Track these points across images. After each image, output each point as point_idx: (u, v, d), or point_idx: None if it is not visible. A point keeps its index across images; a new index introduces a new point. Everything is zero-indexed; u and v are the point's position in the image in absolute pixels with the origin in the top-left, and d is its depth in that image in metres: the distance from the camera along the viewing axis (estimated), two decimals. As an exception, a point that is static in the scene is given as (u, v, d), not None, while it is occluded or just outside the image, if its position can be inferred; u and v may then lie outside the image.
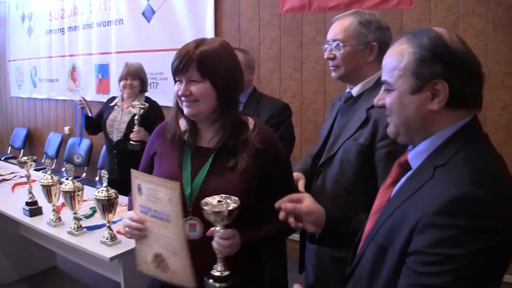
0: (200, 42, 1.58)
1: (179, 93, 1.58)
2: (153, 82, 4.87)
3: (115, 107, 3.77)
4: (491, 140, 1.15)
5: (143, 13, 4.95)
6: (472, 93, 1.11)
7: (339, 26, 1.86)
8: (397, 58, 1.16)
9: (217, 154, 1.60)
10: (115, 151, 3.70)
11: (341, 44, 1.83)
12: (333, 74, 1.92)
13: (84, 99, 3.98)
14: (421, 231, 0.99)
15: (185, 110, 1.59)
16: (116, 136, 3.67)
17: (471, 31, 3.13)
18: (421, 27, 1.19)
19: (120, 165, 3.59)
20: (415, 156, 1.17)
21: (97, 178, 5.33)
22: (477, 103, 1.13)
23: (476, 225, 0.94)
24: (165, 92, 4.67)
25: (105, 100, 4.03)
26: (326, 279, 1.92)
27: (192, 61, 1.54)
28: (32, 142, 7.09)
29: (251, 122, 1.66)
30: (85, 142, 5.70)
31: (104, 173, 2.40)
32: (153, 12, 4.85)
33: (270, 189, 1.61)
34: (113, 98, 3.94)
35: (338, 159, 1.80)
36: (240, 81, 1.65)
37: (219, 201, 1.49)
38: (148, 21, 4.91)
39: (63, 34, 6.06)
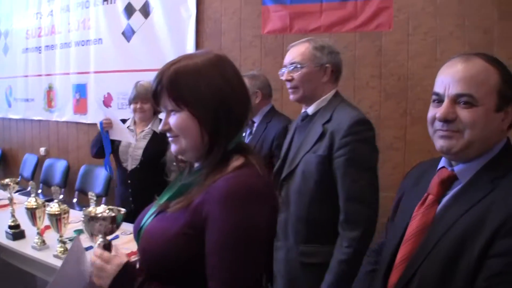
0: (180, 59, 1.29)
1: (159, 127, 1.33)
2: None
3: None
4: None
5: (123, 33, 4.99)
6: None
7: (296, 51, 2.11)
8: (484, 76, 1.22)
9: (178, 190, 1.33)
10: (129, 181, 3.44)
11: (299, 66, 2.07)
12: (291, 96, 2.15)
13: (111, 117, 3.53)
14: (506, 235, 1.06)
15: (171, 147, 1.33)
16: (130, 165, 3.43)
17: (448, 54, 3.21)
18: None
19: (136, 197, 3.38)
20: (464, 170, 1.26)
21: (74, 200, 5.33)
22: None
23: None
24: None
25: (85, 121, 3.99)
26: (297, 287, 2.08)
27: (163, 85, 1.25)
28: (7, 163, 7.03)
29: (233, 164, 1.27)
30: (62, 163, 5.72)
31: (92, 195, 2.37)
32: (133, 32, 4.89)
33: (196, 253, 1.21)
34: (123, 120, 3.60)
35: (300, 171, 2.03)
36: (235, 105, 1.27)
37: (107, 210, 1.52)
38: (128, 41, 4.95)
39: (40, 53, 6.07)
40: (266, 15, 4.06)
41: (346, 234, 1.92)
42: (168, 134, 1.31)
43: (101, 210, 1.53)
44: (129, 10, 4.95)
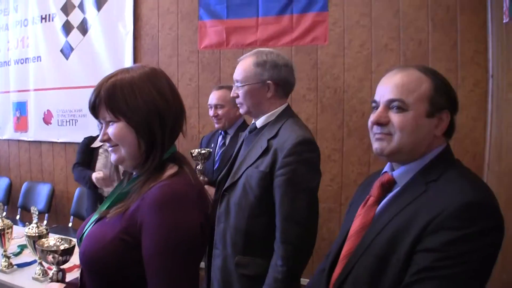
0: (117, 73, 1.22)
1: (98, 139, 1.28)
2: (72, 120, 4.49)
3: (100, 151, 3.12)
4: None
5: (61, 50, 4.53)
6: (454, 124, 1.24)
7: (239, 68, 1.91)
8: (415, 83, 1.20)
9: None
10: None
11: (240, 84, 1.88)
12: (240, 110, 1.95)
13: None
14: (433, 232, 1.05)
15: (111, 157, 1.25)
16: (107, 191, 2.98)
17: (384, 66, 3.02)
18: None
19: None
20: (402, 174, 1.24)
21: (18, 217, 4.82)
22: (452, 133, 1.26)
23: (486, 225, 1.03)
24: (84, 128, 4.24)
25: (58, 140, 3.44)
26: None
27: (101, 98, 1.18)
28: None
29: (167, 173, 1.20)
30: (4, 181, 5.10)
31: (34, 209, 2.30)
32: (72, 49, 4.45)
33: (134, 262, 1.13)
34: (92, 138, 3.22)
35: (241, 184, 1.84)
36: (168, 116, 1.20)
37: (58, 241, 1.51)
38: (67, 58, 4.50)
39: (-20, 71, 5.42)
40: (202, 30, 3.74)
41: (281, 252, 1.75)
42: (108, 145, 1.24)
43: (53, 242, 1.50)
44: (67, 28, 4.51)
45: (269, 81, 1.85)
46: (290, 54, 3.32)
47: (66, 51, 4.48)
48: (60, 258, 1.45)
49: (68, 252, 1.47)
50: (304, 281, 2.23)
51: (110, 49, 4.20)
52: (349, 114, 3.18)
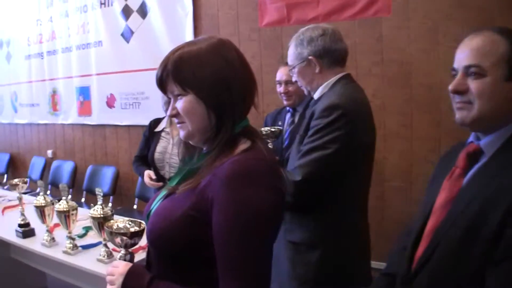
0: (183, 45, 1.23)
1: (167, 114, 1.29)
2: (135, 102, 4.77)
3: (163, 134, 3.23)
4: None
5: (122, 34, 4.80)
6: None
7: (288, 54, 2.07)
8: (491, 46, 1.19)
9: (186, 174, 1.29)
10: None
11: (291, 67, 2.05)
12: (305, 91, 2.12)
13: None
14: None
15: (180, 133, 1.28)
16: (168, 173, 3.14)
17: (449, 36, 3.06)
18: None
19: None
20: (489, 143, 1.23)
21: (83, 200, 5.22)
22: None
23: None
24: (147, 111, 4.53)
25: (121, 123, 3.76)
26: (279, 263, 1.99)
27: (168, 71, 1.20)
28: (16, 167, 6.86)
29: (240, 147, 1.21)
30: (69, 164, 5.56)
31: (99, 191, 2.36)
32: (132, 32, 4.70)
33: (204, 240, 1.15)
34: (158, 120, 3.35)
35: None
36: (238, 88, 1.21)
37: (128, 224, 1.51)
38: (127, 42, 4.77)
39: (42, 58, 5.86)
40: (262, 7, 3.87)
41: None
42: (176, 120, 1.26)
43: (122, 224, 1.52)
44: (126, 12, 4.77)
45: (310, 57, 1.95)
46: (353, 28, 3.39)
47: (127, 35, 4.75)
48: (129, 240, 1.45)
49: (138, 234, 1.48)
50: (376, 264, 2.37)
51: (170, 31, 4.40)
52: (416, 88, 3.21)
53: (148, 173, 3.16)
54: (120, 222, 1.53)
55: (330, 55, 1.97)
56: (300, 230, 1.97)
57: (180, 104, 1.21)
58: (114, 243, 1.49)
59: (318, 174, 1.85)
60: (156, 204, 1.30)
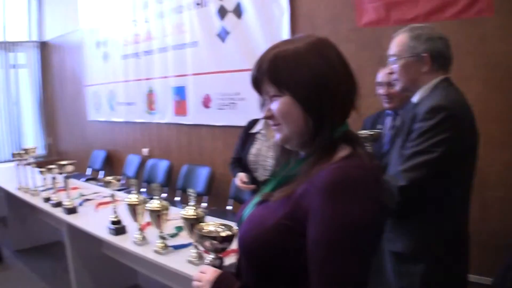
0: (280, 44, 1.25)
1: (262, 115, 1.30)
2: (231, 103, 5.09)
3: (258, 136, 3.28)
4: None
5: (217, 34, 5.15)
6: None
7: (394, 42, 2.11)
8: None
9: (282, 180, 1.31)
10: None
11: (395, 59, 2.08)
12: (396, 87, 2.18)
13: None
14: None
15: (275, 136, 1.30)
16: (261, 175, 3.17)
17: None
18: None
19: None
20: None
21: (177, 198, 5.58)
22: None
23: None
24: (244, 112, 4.84)
25: (217, 124, 4.19)
26: (382, 276, 2.10)
27: (264, 70, 1.23)
28: (112, 164, 7.53)
29: (339, 154, 1.20)
30: (164, 163, 6.02)
31: (192, 192, 2.45)
32: (228, 33, 5.03)
33: (297, 248, 1.15)
34: (255, 121, 3.43)
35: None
36: (338, 90, 1.20)
37: (219, 227, 1.51)
38: (223, 42, 5.10)
39: (138, 58, 6.43)
40: (360, 7, 4.03)
41: None
42: (271, 122, 1.27)
43: (213, 228, 1.53)
44: (222, 12, 5.11)
45: (424, 54, 2.00)
46: (453, 29, 3.39)
47: (223, 35, 5.08)
48: (219, 245, 1.46)
49: (228, 239, 1.48)
50: (475, 278, 2.37)
51: (265, 31, 4.66)
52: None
53: (241, 176, 3.26)
54: (211, 225, 1.56)
55: (442, 59, 2.05)
56: (402, 239, 2.02)
57: (275, 105, 1.22)
58: (203, 246, 1.51)
59: (424, 179, 1.88)
60: (249, 210, 1.32)
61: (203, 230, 1.52)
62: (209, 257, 1.48)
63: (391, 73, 2.15)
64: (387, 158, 2.25)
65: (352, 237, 1.09)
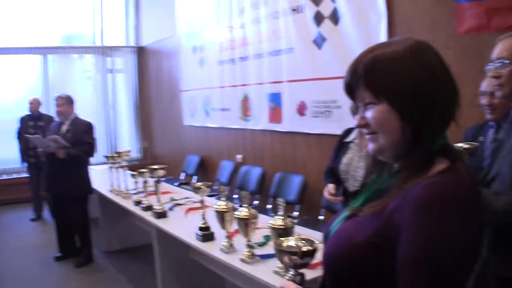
0: (376, 47, 1.24)
1: (355, 123, 1.29)
2: (326, 111, 5.28)
3: (351, 145, 3.39)
4: None
5: (314, 41, 5.38)
6: None
7: (503, 46, 2.06)
8: None
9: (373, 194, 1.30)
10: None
11: (506, 62, 2.02)
12: (497, 93, 2.13)
13: None
14: None
15: (368, 146, 1.28)
16: (351, 185, 3.28)
17: None
18: None
19: None
20: None
21: (269, 206, 5.82)
22: None
23: None
24: (340, 120, 5.00)
25: (312, 131, 4.46)
26: None
27: (359, 76, 1.21)
28: (205, 169, 8.03)
29: (436, 168, 1.17)
30: (257, 170, 6.36)
31: (282, 201, 2.53)
32: (324, 39, 5.25)
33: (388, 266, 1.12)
34: (349, 130, 3.53)
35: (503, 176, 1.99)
36: (439, 98, 1.18)
37: (300, 242, 1.50)
38: (319, 49, 5.32)
39: (234, 64, 6.88)
40: (460, 13, 4.08)
41: None
42: (364, 131, 1.26)
43: (293, 242, 1.53)
44: (318, 18, 5.34)
45: None
46: None
47: (319, 42, 5.31)
48: (298, 261, 1.45)
49: (309, 254, 1.47)
50: None
51: (362, 37, 4.81)
52: None
53: (329, 187, 3.40)
54: (291, 239, 1.55)
55: None
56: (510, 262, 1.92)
57: (370, 113, 1.21)
58: (282, 261, 1.52)
59: None
60: (336, 224, 1.32)
61: (283, 245, 1.52)
62: (290, 273, 1.49)
63: (496, 77, 2.07)
64: (487, 173, 2.13)
65: (446, 259, 1.05)
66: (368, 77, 1.19)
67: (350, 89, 1.25)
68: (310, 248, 1.50)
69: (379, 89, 1.18)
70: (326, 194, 3.41)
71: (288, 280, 1.44)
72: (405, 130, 1.17)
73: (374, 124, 1.21)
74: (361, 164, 3.22)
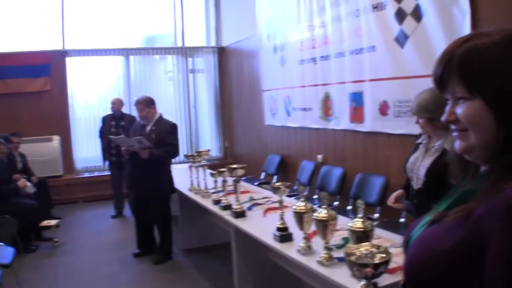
0: (472, 36, 1.13)
1: (442, 118, 1.21)
2: (409, 111, 5.15)
3: (420, 146, 3.41)
4: None
5: (395, 39, 5.38)
6: None
7: None
8: None
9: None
10: (415, 201, 3.33)
11: None
12: None
13: None
14: None
15: (455, 143, 1.20)
16: (416, 184, 3.30)
17: None
18: None
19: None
20: None
21: (349, 207, 5.88)
22: None
23: None
24: None
25: (395, 132, 4.57)
26: None
27: (452, 67, 1.12)
28: (285, 169, 8.19)
29: None
30: (338, 171, 6.42)
31: (361, 203, 2.53)
32: (407, 37, 5.23)
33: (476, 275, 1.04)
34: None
35: None
36: None
37: (372, 249, 1.46)
38: (402, 47, 5.30)
39: (315, 63, 6.98)
40: None
41: None
42: (452, 127, 1.18)
43: (365, 251, 1.48)
44: (400, 15, 5.33)
45: None
46: None
47: (401, 40, 5.30)
48: (371, 272, 1.43)
49: (382, 265, 1.44)
50: None
51: (446, 34, 4.75)
52: None
53: (394, 194, 3.50)
54: (363, 247, 1.51)
55: None
56: None
57: (461, 109, 1.13)
58: (353, 272, 1.50)
59: None
60: (418, 230, 1.25)
61: (354, 255, 1.48)
62: (361, 284, 1.46)
63: None
64: None
65: None
66: (464, 69, 1.10)
67: (441, 81, 1.17)
68: (382, 258, 1.45)
69: (475, 84, 1.08)
70: (389, 200, 3.50)
71: None
72: (499, 130, 1.07)
73: (466, 121, 1.12)
74: (424, 163, 3.24)
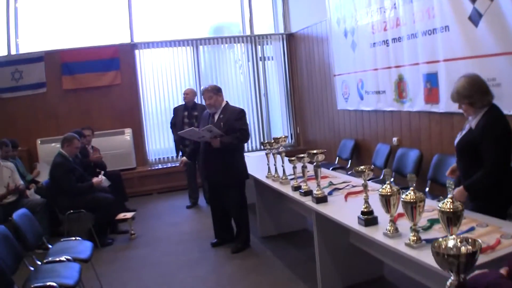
0: None
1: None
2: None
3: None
4: None
5: (469, 18, 5.44)
6: None
7: None
8: None
9: None
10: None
11: None
12: None
13: None
14: None
15: None
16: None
17: None
18: None
19: None
20: None
21: (426, 189, 5.97)
22: None
23: None
24: (498, 99, 4.84)
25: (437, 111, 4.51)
26: None
27: None
28: (360, 153, 8.40)
29: None
30: (415, 153, 6.57)
31: (450, 183, 2.54)
32: (480, 15, 5.30)
33: None
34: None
35: None
36: None
37: (459, 243, 1.42)
38: (476, 26, 5.37)
39: (387, 46, 7.13)
40: None
41: None
42: None
43: (452, 243, 1.48)
44: None
45: None
46: None
47: (475, 19, 5.36)
48: (460, 263, 1.36)
49: (472, 256, 1.39)
50: None
51: None
52: None
53: (452, 167, 3.86)
54: (450, 240, 1.51)
55: None
56: None
57: None
58: (441, 265, 1.48)
59: None
60: None
61: (441, 247, 1.48)
62: (450, 280, 1.43)
63: None
64: None
65: None
66: None
67: None
68: (472, 249, 1.42)
69: None
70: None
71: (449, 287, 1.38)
72: None
73: None
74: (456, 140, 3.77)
